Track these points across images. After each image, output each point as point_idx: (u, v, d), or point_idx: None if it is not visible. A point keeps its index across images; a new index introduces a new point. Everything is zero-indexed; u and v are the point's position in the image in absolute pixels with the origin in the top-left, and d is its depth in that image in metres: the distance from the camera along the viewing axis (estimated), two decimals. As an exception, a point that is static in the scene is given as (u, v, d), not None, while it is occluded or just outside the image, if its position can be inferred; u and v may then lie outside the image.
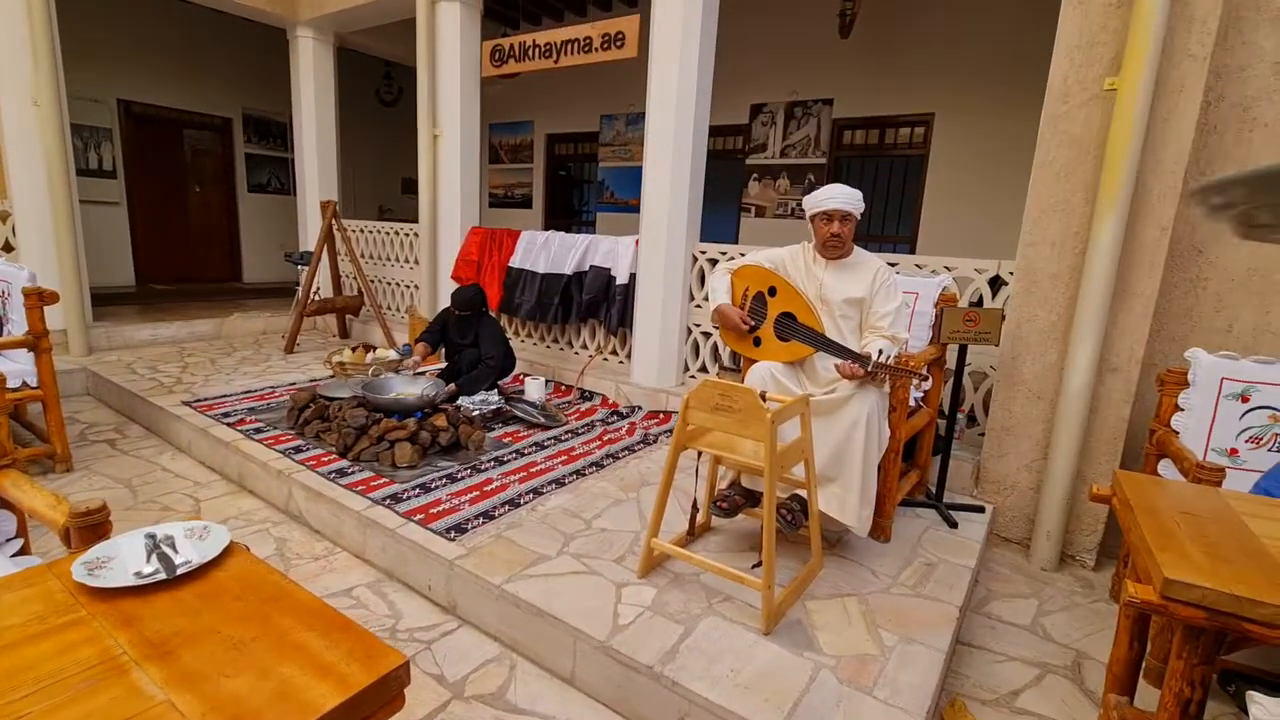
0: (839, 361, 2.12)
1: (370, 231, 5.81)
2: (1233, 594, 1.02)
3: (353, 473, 2.83)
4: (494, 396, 3.71)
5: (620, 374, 4.19)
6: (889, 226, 5.75)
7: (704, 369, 3.93)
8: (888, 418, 2.28)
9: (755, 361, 2.41)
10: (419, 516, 2.45)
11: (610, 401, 4.07)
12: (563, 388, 4.32)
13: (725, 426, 1.93)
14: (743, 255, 2.77)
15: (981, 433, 3.04)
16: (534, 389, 3.84)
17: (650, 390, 3.90)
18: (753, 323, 2.42)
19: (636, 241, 3.97)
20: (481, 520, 2.45)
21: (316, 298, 5.23)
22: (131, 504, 2.84)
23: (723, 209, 6.35)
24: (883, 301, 2.29)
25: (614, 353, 4.34)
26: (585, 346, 4.48)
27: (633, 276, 4.01)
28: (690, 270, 3.84)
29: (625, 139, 7.02)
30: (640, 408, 3.92)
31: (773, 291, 2.40)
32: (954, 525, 2.59)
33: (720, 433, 2.01)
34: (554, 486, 2.79)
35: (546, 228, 7.14)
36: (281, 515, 2.82)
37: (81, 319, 4.58)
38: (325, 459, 2.97)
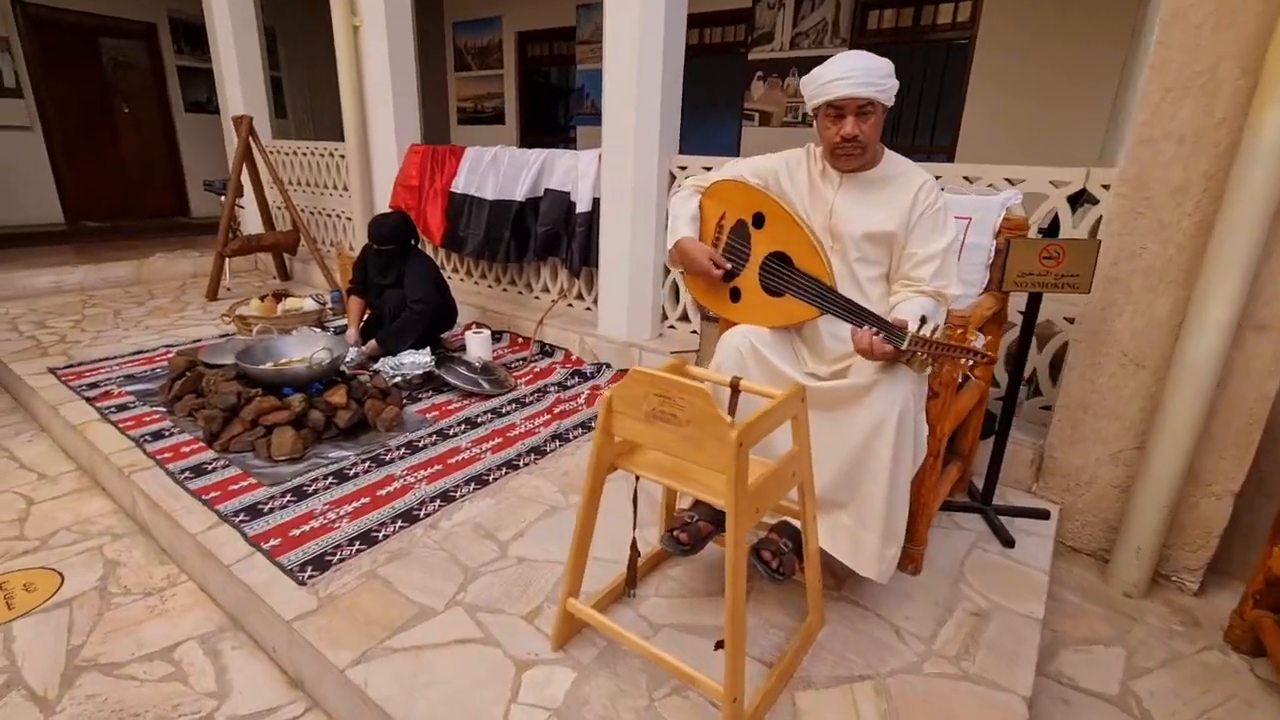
0: (858, 331, 1.36)
1: (299, 153, 4.94)
2: None
3: (214, 469, 2.17)
4: (424, 356, 2.99)
5: (587, 323, 3.44)
6: (922, 134, 4.76)
7: (685, 318, 3.16)
8: (925, 410, 1.52)
9: (731, 325, 1.65)
10: (273, 542, 1.79)
11: (574, 358, 3.34)
12: (519, 340, 3.59)
13: (669, 445, 1.21)
14: (713, 169, 1.95)
15: (1045, 406, 2.29)
16: (476, 345, 3.11)
17: (620, 345, 3.16)
18: (728, 266, 1.64)
19: (599, 157, 3.12)
20: (357, 547, 1.79)
21: (238, 233, 4.45)
22: (-60, 512, 2.21)
23: (720, 116, 5.35)
24: (925, 237, 1.50)
25: (579, 297, 3.56)
26: (546, 290, 3.71)
27: (596, 203, 3.19)
28: (666, 192, 3.00)
29: (608, 35, 5.92)
30: (608, 365, 3.19)
31: (759, 221, 1.60)
32: (1010, 544, 1.88)
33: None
34: (472, 487, 2.12)
35: (522, 146, 6.18)
36: (130, 524, 2.19)
37: (-45, 266, 3.87)
38: (188, 448, 2.31)
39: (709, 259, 1.62)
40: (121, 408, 2.63)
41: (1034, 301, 1.88)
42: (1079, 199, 2.15)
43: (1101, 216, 2.05)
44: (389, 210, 3.01)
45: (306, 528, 1.87)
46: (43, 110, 6.02)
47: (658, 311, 3.16)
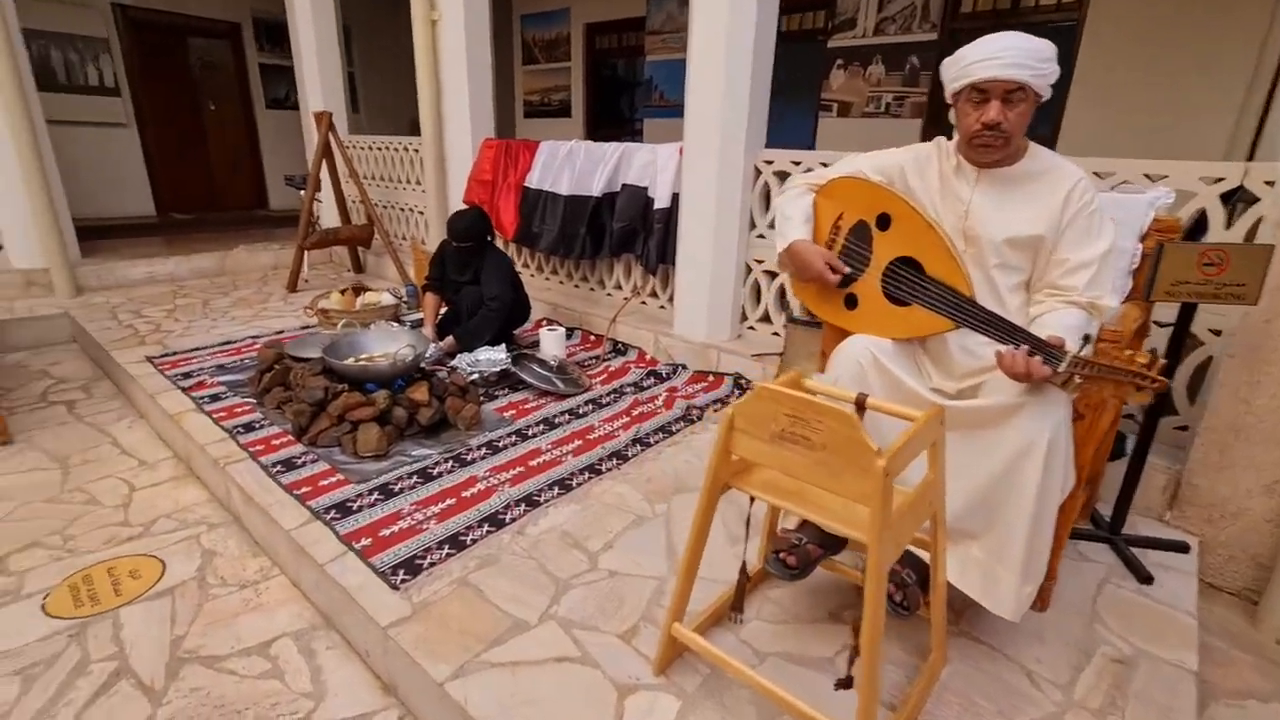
0: (1006, 351, 1.22)
1: (375, 148, 5.02)
2: None
3: (303, 464, 2.20)
4: (500, 353, 2.97)
5: (662, 322, 3.35)
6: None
7: (766, 319, 3.03)
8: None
9: (845, 335, 1.53)
10: (364, 541, 1.78)
11: (648, 357, 3.26)
12: (592, 338, 3.53)
13: (797, 469, 1.11)
14: (828, 165, 1.82)
15: (1180, 427, 2.07)
16: (551, 343, 3.07)
17: (697, 345, 3.06)
18: (847, 271, 1.52)
19: (680, 150, 3.02)
20: (447, 551, 1.76)
21: (317, 227, 4.56)
22: (54, 494, 2.32)
23: (795, 107, 5.15)
24: (1078, 242, 1.34)
25: (654, 295, 3.48)
26: (619, 287, 3.64)
27: (675, 198, 3.09)
28: (752, 187, 2.88)
29: (679, 24, 5.77)
30: (684, 366, 3.10)
31: (883, 222, 1.47)
32: (1147, 580, 1.70)
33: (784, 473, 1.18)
34: (557, 492, 2.07)
35: (588, 139, 6.14)
36: (224, 515, 2.24)
37: (63, 256, 4.09)
38: (278, 441, 2.35)
39: (824, 263, 1.51)
40: (214, 398, 2.70)
41: (1186, 313, 1.68)
42: (1231, 197, 1.92)
43: (1262, 218, 1.82)
44: (466, 207, 2.99)
45: (395, 528, 1.86)
46: (138, 108, 6.34)
47: (737, 312, 3.05)
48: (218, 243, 5.37)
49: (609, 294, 3.70)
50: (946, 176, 1.46)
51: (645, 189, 3.22)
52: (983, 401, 1.31)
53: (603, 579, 1.68)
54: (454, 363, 2.91)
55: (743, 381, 2.91)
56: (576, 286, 3.87)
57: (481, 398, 2.72)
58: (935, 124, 4.28)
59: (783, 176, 2.82)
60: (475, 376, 2.83)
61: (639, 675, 1.38)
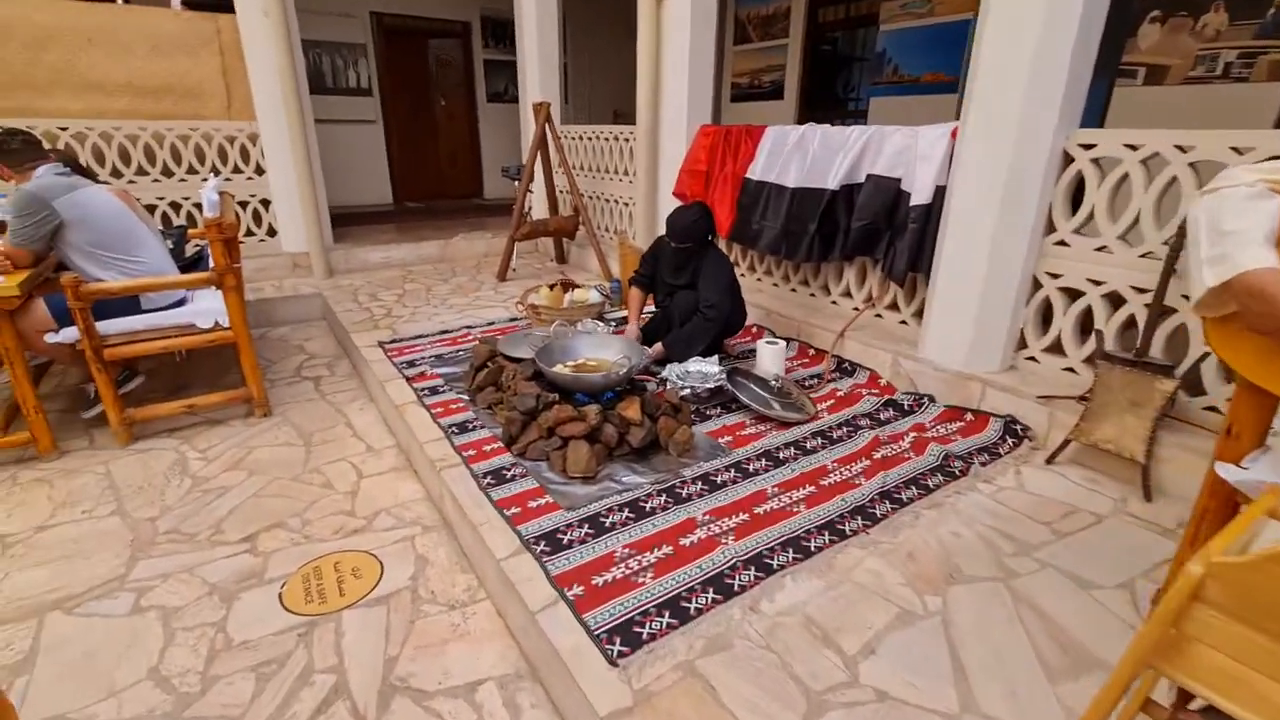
0: None
1: (586, 138, 4.97)
2: None
3: (512, 477, 2.07)
4: (712, 366, 2.66)
5: (902, 340, 2.81)
6: None
7: (1057, 349, 2.35)
8: None
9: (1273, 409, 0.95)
10: (576, 590, 1.57)
11: (882, 382, 2.74)
12: (811, 352, 3.09)
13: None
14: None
15: None
16: (770, 358, 2.70)
17: (952, 375, 2.49)
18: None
19: (952, 133, 2.44)
20: (667, 620, 1.48)
21: (529, 218, 4.62)
22: (297, 472, 2.46)
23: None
24: None
25: (893, 307, 2.93)
26: (848, 295, 3.14)
27: (939, 192, 2.52)
28: (1056, 179, 2.22)
29: (923, -14, 4.98)
30: (931, 399, 2.54)
31: None
32: None
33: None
34: (792, 556, 1.70)
35: (800, 123, 5.60)
36: (436, 517, 2.20)
37: (321, 242, 4.58)
38: (489, 447, 2.26)
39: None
40: (433, 390, 2.73)
41: None
42: None
43: None
44: (688, 203, 2.70)
45: (609, 576, 1.62)
46: (384, 106, 7.04)
47: (1013, 337, 2.41)
48: (441, 231, 5.76)
49: (834, 302, 3.21)
50: None
51: (897, 181, 2.68)
52: None
53: (869, 701, 1.29)
54: (663, 374, 2.66)
55: (1017, 427, 2.29)
56: (794, 291, 3.44)
57: (693, 417, 2.43)
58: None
59: (1097, 165, 2.13)
60: (686, 391, 2.55)
61: None
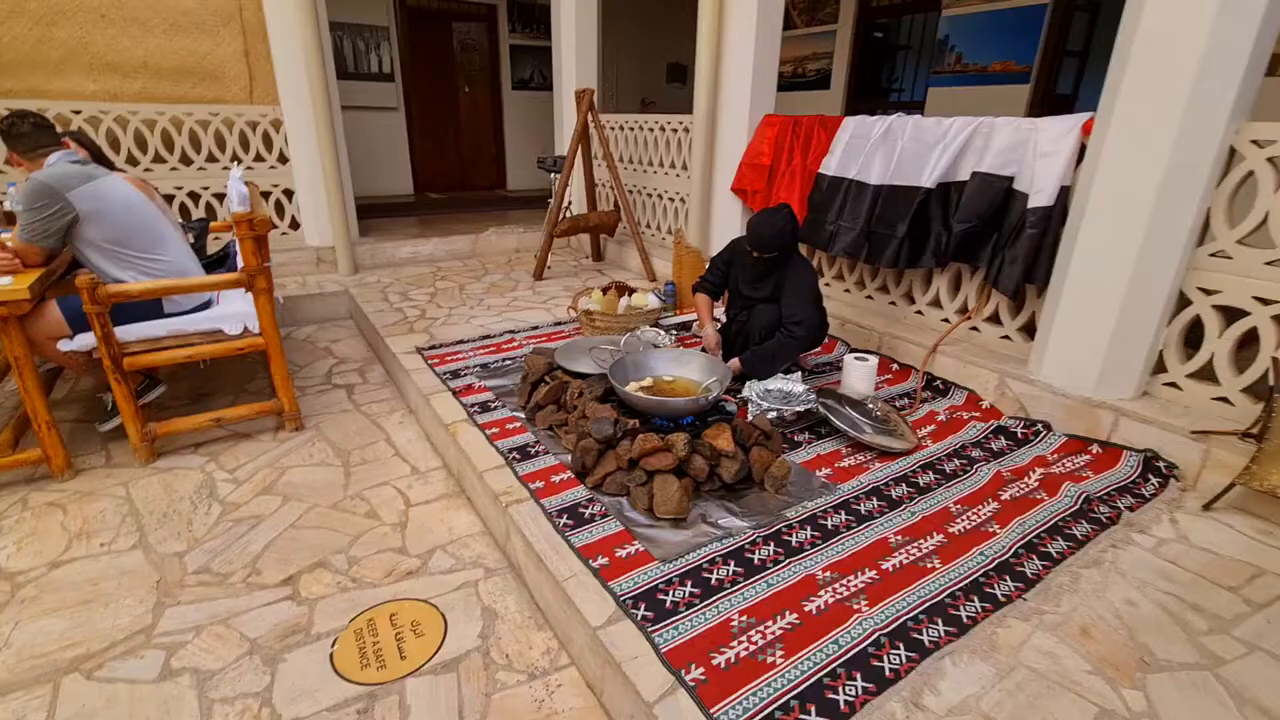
0: None
1: (630, 128, 4.67)
2: None
3: (591, 517, 1.81)
4: (797, 385, 2.38)
5: (1008, 359, 2.52)
6: None
7: (1208, 375, 2.06)
8: None
9: None
10: (696, 672, 1.30)
11: (984, 405, 2.46)
12: (893, 367, 2.81)
13: None
14: None
15: None
16: (859, 376, 2.43)
17: (1076, 401, 2.20)
18: None
19: (1085, 126, 2.14)
20: (815, 717, 1.21)
21: (568, 213, 4.33)
22: (337, 498, 2.20)
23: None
24: None
25: (993, 320, 2.65)
26: (937, 305, 2.85)
27: (1064, 193, 2.23)
28: (1217, 180, 1.93)
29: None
30: (1048, 426, 2.26)
31: None
32: None
33: None
34: (943, 630, 1.43)
35: (847, 114, 5.28)
36: (499, 558, 1.94)
37: (346, 235, 4.31)
38: (557, 478, 2.00)
39: None
40: (483, 407, 2.47)
41: None
42: None
43: None
44: (773, 206, 2.41)
45: (730, 653, 1.35)
46: (406, 93, 6.74)
47: (1151, 358, 2.12)
48: (467, 224, 5.48)
49: (918, 312, 2.92)
50: None
51: (1009, 179, 2.39)
52: None
53: (1098, 846, 1.02)
54: (744, 394, 2.39)
55: (1160, 465, 2.00)
56: (869, 299, 3.14)
57: (784, 445, 2.16)
58: None
59: (1273, 164, 1.83)
60: (773, 415, 2.28)
61: None
